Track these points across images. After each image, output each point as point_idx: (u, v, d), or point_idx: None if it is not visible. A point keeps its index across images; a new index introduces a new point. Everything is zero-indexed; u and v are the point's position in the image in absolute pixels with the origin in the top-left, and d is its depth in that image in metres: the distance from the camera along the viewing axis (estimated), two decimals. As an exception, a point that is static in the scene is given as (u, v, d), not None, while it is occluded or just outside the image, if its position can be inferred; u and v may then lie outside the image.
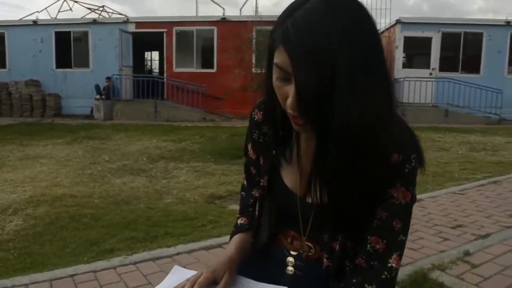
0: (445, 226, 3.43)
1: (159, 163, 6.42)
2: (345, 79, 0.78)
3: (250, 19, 12.27)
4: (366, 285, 0.96)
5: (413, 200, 0.98)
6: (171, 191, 4.70)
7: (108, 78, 13.73)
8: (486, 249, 2.93)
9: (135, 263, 2.61)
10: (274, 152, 1.11)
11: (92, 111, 13.91)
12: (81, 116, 13.74)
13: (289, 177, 1.10)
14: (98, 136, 9.23)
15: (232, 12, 14.86)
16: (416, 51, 14.44)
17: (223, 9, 18.68)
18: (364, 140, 0.83)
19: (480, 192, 4.62)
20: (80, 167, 5.96)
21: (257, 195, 1.22)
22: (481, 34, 13.84)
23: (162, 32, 14.59)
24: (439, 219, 3.55)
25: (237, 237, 1.19)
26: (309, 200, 1.05)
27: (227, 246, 1.18)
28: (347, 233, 1.00)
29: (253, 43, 11.01)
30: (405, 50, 14.05)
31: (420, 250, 2.87)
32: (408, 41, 13.90)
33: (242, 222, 1.24)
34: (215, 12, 28.81)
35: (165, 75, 14.99)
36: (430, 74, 13.93)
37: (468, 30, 13.85)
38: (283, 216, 1.14)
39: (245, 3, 25.61)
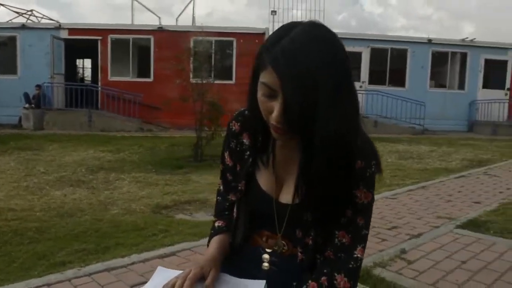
0: (382, 227, 3.73)
1: (99, 174, 6.27)
2: (325, 97, 0.94)
3: (188, 29, 12.32)
4: (335, 274, 1.10)
5: (373, 200, 1.15)
6: (116, 202, 4.63)
7: (38, 86, 13.10)
8: (419, 247, 3.24)
9: (90, 274, 2.60)
10: (250, 159, 1.24)
11: (20, 121, 13.16)
12: (8, 126, 12.95)
13: (265, 181, 1.22)
14: (30, 146, 8.79)
15: (167, 21, 14.86)
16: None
17: (159, 18, 18.56)
18: (341, 147, 0.99)
19: (410, 197, 5.03)
20: (14, 180, 5.68)
21: (233, 199, 1.33)
22: (405, 50, 14.94)
23: (97, 40, 14.20)
24: (376, 222, 3.85)
25: (216, 238, 1.30)
26: (283, 201, 1.19)
27: (208, 247, 1.28)
28: (319, 229, 1.15)
29: (192, 53, 11.09)
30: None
31: (362, 250, 3.10)
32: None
33: (220, 224, 1.34)
34: (150, 20, 28.43)
35: (99, 84, 14.55)
36: (361, 86, 14.74)
37: (394, 46, 14.89)
38: (258, 217, 1.26)
39: (181, 13, 25.52)
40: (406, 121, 14.29)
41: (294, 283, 1.18)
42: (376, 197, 4.79)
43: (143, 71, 14.36)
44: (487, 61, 15.33)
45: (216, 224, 1.36)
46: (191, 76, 12.55)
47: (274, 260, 1.23)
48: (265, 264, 1.24)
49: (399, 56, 15.03)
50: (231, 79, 13.21)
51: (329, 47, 0.96)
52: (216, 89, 7.85)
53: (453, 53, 15.31)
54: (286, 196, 1.19)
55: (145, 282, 2.34)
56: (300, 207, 1.15)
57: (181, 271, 1.21)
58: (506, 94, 15.49)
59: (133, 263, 2.79)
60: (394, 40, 15.07)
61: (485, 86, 15.48)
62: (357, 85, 14.50)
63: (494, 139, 12.82)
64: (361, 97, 13.96)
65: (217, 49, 9.05)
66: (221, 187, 1.40)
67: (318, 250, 1.16)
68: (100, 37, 14.16)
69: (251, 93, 1.11)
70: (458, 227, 3.77)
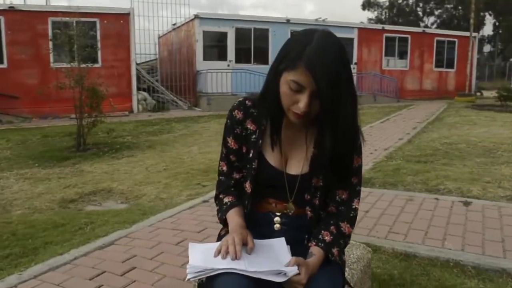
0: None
1: (-28, 175, 5.61)
2: (344, 90, 1.26)
3: (45, 9, 11.26)
4: (340, 223, 1.44)
5: (361, 163, 1.50)
6: (14, 202, 4.29)
7: None
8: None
9: (35, 276, 2.50)
10: (260, 140, 1.48)
11: None
12: None
13: (273, 158, 1.47)
14: None
15: (20, 1, 13.10)
16: (215, 44, 15.58)
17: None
18: (354, 126, 1.32)
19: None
20: None
21: (237, 177, 1.55)
22: (267, 30, 15.83)
23: None
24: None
25: (234, 211, 1.50)
26: (292, 172, 1.46)
27: (232, 218, 1.47)
28: (324, 191, 1.46)
29: (50, 36, 10.22)
30: (204, 43, 14.99)
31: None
32: (206, 35, 14.90)
33: (230, 200, 1.54)
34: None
35: None
36: (228, 65, 15.26)
37: (256, 26, 15.66)
38: (268, 188, 1.51)
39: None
40: (271, 96, 15.29)
41: (306, 236, 1.47)
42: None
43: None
44: (337, 39, 17.13)
45: (226, 200, 1.54)
46: (51, 61, 11.62)
47: (284, 221, 1.50)
48: (277, 226, 1.50)
49: (262, 36, 15.88)
50: (97, 62, 12.49)
51: (343, 51, 1.30)
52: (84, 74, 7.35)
53: (308, 32, 16.74)
54: (295, 169, 1.46)
55: (99, 274, 2.43)
56: (309, 175, 1.44)
57: (214, 243, 1.41)
58: (353, 68, 17.57)
59: (75, 258, 2.74)
60: (256, 21, 15.84)
61: (336, 61, 17.31)
62: (224, 64, 15.03)
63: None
64: (230, 76, 14.61)
65: (79, 31, 8.51)
66: (224, 168, 1.58)
67: (322, 208, 1.47)
68: None
69: (270, 88, 1.36)
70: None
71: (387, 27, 20.41)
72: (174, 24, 16.62)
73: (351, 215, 1.46)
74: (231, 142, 1.52)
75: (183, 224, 3.39)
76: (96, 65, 12.06)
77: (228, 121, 1.52)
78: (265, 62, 16.02)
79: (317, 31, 1.30)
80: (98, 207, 4.32)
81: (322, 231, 1.42)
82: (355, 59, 17.90)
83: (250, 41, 15.63)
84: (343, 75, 1.26)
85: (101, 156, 6.83)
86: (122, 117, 11.68)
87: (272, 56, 16.13)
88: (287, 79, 1.28)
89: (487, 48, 57.88)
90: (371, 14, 64.43)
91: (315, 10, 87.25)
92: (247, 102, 1.51)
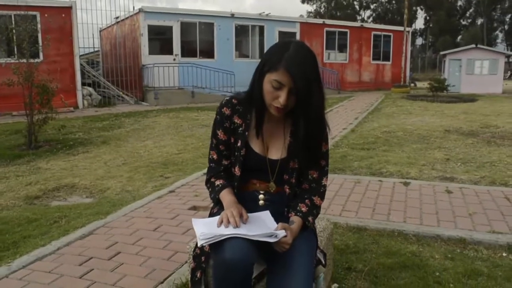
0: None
1: None
2: (316, 88, 1.61)
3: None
4: (313, 197, 1.80)
5: (328, 148, 1.86)
6: (-23, 201, 4.30)
7: None
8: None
9: (24, 266, 2.65)
10: (246, 132, 1.80)
11: None
12: None
13: (257, 146, 1.80)
14: None
15: None
16: (160, 38, 15.51)
17: None
18: (323, 117, 1.68)
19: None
20: None
21: (226, 163, 1.86)
22: (212, 24, 16.00)
23: None
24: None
25: (226, 191, 1.80)
26: (273, 157, 1.80)
27: (226, 196, 1.76)
28: (298, 171, 1.80)
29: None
30: (149, 37, 14.90)
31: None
32: (151, 29, 14.82)
33: (221, 182, 1.84)
34: None
35: None
36: (174, 59, 15.28)
37: (202, 20, 15.77)
38: (254, 171, 1.83)
39: None
40: (219, 90, 15.47)
41: (286, 209, 1.81)
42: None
43: None
44: (280, 33, 17.63)
45: (217, 182, 1.85)
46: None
47: (267, 198, 1.83)
48: (261, 202, 1.83)
49: (207, 30, 16.03)
50: (38, 57, 12.09)
51: (314, 57, 1.66)
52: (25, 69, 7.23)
53: (253, 26, 17.09)
54: (275, 154, 1.80)
55: (87, 260, 2.67)
56: (287, 159, 1.78)
57: (214, 217, 1.71)
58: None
59: (59, 249, 2.92)
60: (202, 15, 15.95)
61: (279, 54, 17.81)
62: (170, 58, 15.04)
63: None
64: (176, 70, 14.65)
65: (19, 24, 8.31)
66: (214, 156, 1.88)
67: (297, 185, 1.82)
68: None
69: (255, 88, 1.69)
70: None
71: (328, 21, 21.21)
72: (116, 18, 16.33)
73: (321, 190, 1.83)
74: (220, 134, 1.83)
75: (156, 212, 3.62)
76: (37, 60, 11.73)
77: (218, 116, 1.83)
78: (211, 56, 16.21)
79: (292, 42, 1.65)
80: (64, 202, 4.43)
81: (299, 204, 1.77)
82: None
83: (196, 35, 15.72)
84: (314, 75, 1.62)
85: (56, 153, 6.81)
86: (67, 113, 11.43)
87: (217, 49, 16.34)
88: (270, 78, 1.61)
89: (419, 41, 61.10)
90: (310, 7, 65.94)
91: (255, 4, 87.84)
92: (233, 100, 1.83)
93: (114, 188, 4.70)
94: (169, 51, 15.20)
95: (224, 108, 1.81)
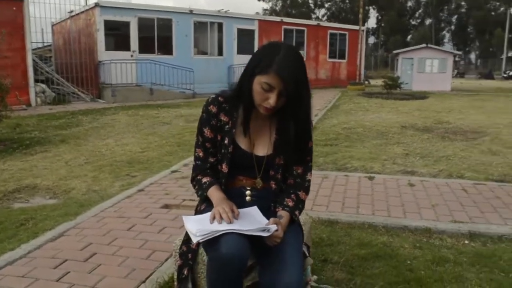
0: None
1: None
2: (305, 90, 1.69)
3: None
4: (298, 192, 1.86)
5: (312, 145, 1.93)
6: None
7: None
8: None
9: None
10: (234, 130, 1.83)
11: None
12: None
13: (244, 143, 1.84)
14: None
15: None
16: (117, 34, 15.12)
17: None
18: (309, 118, 1.74)
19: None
20: None
21: (212, 160, 1.89)
22: (170, 20, 15.78)
23: None
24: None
25: (214, 188, 1.83)
26: (260, 154, 1.84)
27: (215, 193, 1.79)
28: (284, 167, 1.86)
29: None
30: (106, 33, 14.50)
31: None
32: (108, 24, 14.42)
33: (208, 179, 1.87)
34: None
35: None
36: (131, 56, 14.97)
37: (160, 16, 15.52)
38: (240, 168, 1.87)
39: None
40: (178, 87, 15.33)
41: (272, 204, 1.86)
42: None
43: None
44: (239, 30, 17.66)
45: (204, 180, 1.87)
46: None
47: (254, 194, 1.87)
48: (248, 198, 1.87)
49: (165, 26, 15.79)
50: (-13, 52, 11.49)
51: (302, 60, 1.74)
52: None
53: (212, 23, 17.01)
54: (261, 151, 1.85)
55: (62, 262, 2.62)
56: (273, 156, 1.83)
57: (205, 214, 1.74)
58: (255, 59, 18.26)
59: (29, 252, 2.82)
60: (160, 10, 15.69)
61: (239, 52, 17.85)
62: (127, 54, 14.72)
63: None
64: (134, 67, 14.36)
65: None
66: (200, 154, 1.91)
67: (283, 181, 1.88)
68: None
69: (244, 88, 1.73)
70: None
71: (285, 19, 21.45)
72: (70, 12, 15.78)
73: (306, 185, 1.89)
74: (207, 131, 1.85)
75: (127, 212, 3.57)
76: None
77: (204, 114, 1.85)
78: (169, 52, 16.00)
79: (282, 45, 1.70)
80: (27, 204, 4.26)
81: (286, 199, 1.83)
82: (255, 49, 18.59)
83: (154, 31, 15.46)
84: (303, 78, 1.68)
85: (12, 153, 6.51)
86: (20, 112, 10.95)
87: (176, 46, 16.15)
88: (260, 81, 1.66)
89: (371, 40, 62.90)
90: (266, 5, 66.35)
91: (211, 0, 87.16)
92: (219, 98, 1.85)
93: (79, 188, 4.58)
94: (127, 47, 14.87)
95: (211, 106, 1.83)
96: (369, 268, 2.58)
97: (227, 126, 1.82)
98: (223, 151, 1.84)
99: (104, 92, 14.23)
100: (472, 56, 73.64)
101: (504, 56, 51.73)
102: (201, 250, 1.87)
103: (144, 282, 2.37)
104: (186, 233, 1.88)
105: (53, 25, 17.45)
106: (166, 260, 2.64)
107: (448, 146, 6.43)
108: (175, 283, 1.89)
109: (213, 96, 1.87)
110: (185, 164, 5.36)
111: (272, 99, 1.66)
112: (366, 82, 24.52)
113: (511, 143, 6.68)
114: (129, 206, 3.75)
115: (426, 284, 2.35)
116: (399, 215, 3.44)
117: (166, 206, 3.74)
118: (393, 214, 3.46)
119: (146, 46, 15.29)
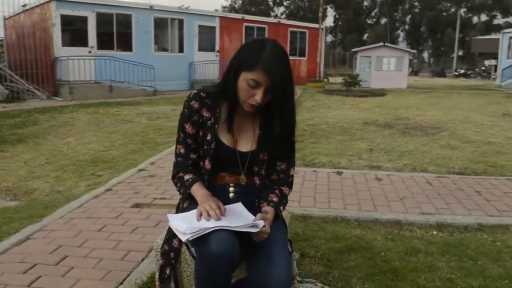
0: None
1: None
2: (291, 87, 1.70)
3: None
4: (282, 187, 1.87)
5: (295, 141, 1.94)
6: None
7: None
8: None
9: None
10: (216, 125, 1.81)
11: None
12: None
13: (227, 139, 1.83)
14: None
15: None
16: (74, 29, 14.61)
17: None
18: (294, 113, 1.75)
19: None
20: None
21: (194, 157, 1.87)
22: (130, 16, 15.41)
23: None
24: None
25: (197, 185, 1.81)
26: (243, 150, 1.84)
27: (199, 190, 1.76)
28: (268, 163, 1.86)
29: None
30: (62, 28, 13.97)
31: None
32: (65, 19, 13.90)
33: (191, 176, 1.84)
34: None
35: None
36: (90, 52, 14.52)
37: (119, 12, 15.13)
38: (224, 164, 1.85)
39: None
40: (138, 84, 15.00)
41: (256, 200, 1.86)
42: (161, 155, 5.55)
43: None
44: (200, 27, 17.49)
45: (187, 177, 1.84)
46: None
47: (237, 190, 1.87)
48: (231, 194, 1.86)
49: (125, 21, 15.41)
50: None
51: (287, 57, 1.74)
52: None
53: (172, 19, 16.76)
54: (245, 146, 1.84)
55: (32, 266, 2.53)
56: (257, 151, 1.83)
57: (191, 211, 1.71)
58: (216, 56, 18.19)
59: (-2, 255, 2.70)
60: (119, 6, 15.28)
61: (200, 49, 17.70)
62: (85, 50, 14.27)
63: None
64: (92, 63, 13.92)
65: None
66: (182, 151, 1.87)
67: (266, 177, 1.88)
68: None
69: (230, 84, 1.72)
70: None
71: (247, 17, 21.44)
72: (24, 5, 15.08)
73: (289, 180, 1.91)
74: (189, 128, 1.82)
75: (96, 212, 3.47)
76: None
77: (186, 110, 1.82)
78: (129, 49, 15.65)
79: (267, 41, 1.70)
80: (-15, 206, 4.05)
81: (270, 194, 1.83)
82: (217, 47, 18.51)
83: (113, 27, 15.06)
84: (289, 74, 1.69)
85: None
86: (-30, 110, 10.40)
87: (136, 42, 15.81)
88: (247, 77, 1.65)
89: (329, 38, 64.01)
90: (225, 2, 66.08)
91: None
92: (201, 93, 1.83)
93: (42, 189, 4.39)
94: (84, 43, 14.41)
95: (193, 101, 1.81)
96: (345, 261, 2.63)
97: (209, 122, 1.80)
98: (205, 147, 1.82)
99: (61, 90, 13.71)
100: (425, 54, 76.61)
101: (455, 55, 54.18)
102: (184, 248, 1.84)
103: (122, 283, 2.31)
104: (168, 231, 1.85)
105: (5, 19, 16.61)
106: (143, 260, 2.58)
107: (409, 141, 6.65)
108: (157, 283, 1.86)
109: (195, 91, 1.85)
110: (152, 163, 5.26)
111: (258, 96, 1.66)
112: (326, 80, 24.93)
113: (467, 138, 7.00)
114: (98, 206, 3.64)
115: (402, 274, 2.42)
116: (369, 209, 3.53)
117: (137, 206, 3.66)
118: (364, 208, 3.55)
119: (105, 42, 14.87)
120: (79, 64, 13.47)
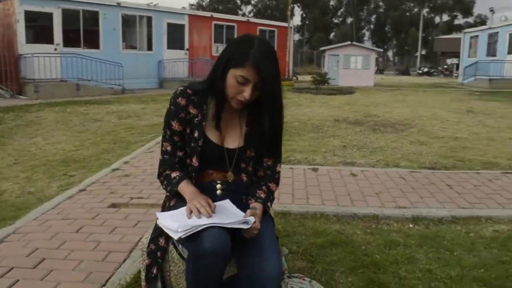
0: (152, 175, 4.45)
1: None
2: (279, 83, 1.71)
3: None
4: (269, 184, 1.89)
5: (282, 137, 1.95)
6: None
7: None
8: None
9: None
10: (204, 122, 1.81)
11: None
12: None
13: (214, 136, 1.83)
14: None
15: None
16: (39, 26, 14.14)
17: None
18: (282, 109, 1.77)
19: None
20: None
21: (180, 154, 1.85)
22: (97, 13, 15.06)
23: None
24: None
25: (185, 183, 1.80)
26: (230, 147, 1.84)
27: (186, 188, 1.75)
28: (256, 160, 1.87)
29: None
30: (27, 24, 13.50)
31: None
32: (29, 15, 13.44)
33: (178, 174, 1.83)
34: None
35: None
36: (55, 49, 14.10)
37: (86, 8, 14.75)
38: (211, 161, 1.85)
39: None
40: (106, 82, 14.69)
41: (243, 196, 1.86)
42: (134, 154, 5.46)
43: None
44: (169, 25, 17.28)
45: (173, 174, 1.83)
46: None
47: (224, 187, 1.87)
48: (219, 191, 1.86)
49: (92, 18, 15.05)
50: None
51: (275, 52, 1.76)
52: None
53: (141, 17, 16.49)
54: (232, 143, 1.85)
55: (8, 271, 2.47)
56: (244, 148, 1.84)
57: (180, 209, 1.70)
58: (186, 54, 18.02)
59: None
60: (85, 2, 14.88)
61: (169, 47, 17.49)
62: (50, 48, 13.85)
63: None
64: (58, 61, 13.53)
65: None
66: (168, 148, 1.86)
67: (253, 173, 1.89)
68: None
69: (218, 81, 1.71)
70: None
71: (216, 15, 21.33)
72: (-15, 1, 14.49)
73: (276, 176, 1.92)
74: (175, 125, 1.81)
75: (72, 213, 3.38)
76: None
77: (172, 107, 1.80)
78: (96, 46, 15.31)
79: (255, 38, 1.70)
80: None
81: (258, 191, 1.84)
82: (187, 45, 18.34)
83: (79, 24, 14.68)
84: (278, 71, 1.71)
85: None
86: None
87: (103, 40, 15.48)
88: (235, 74, 1.65)
89: (296, 37, 64.51)
90: (192, 0, 65.54)
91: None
92: (188, 90, 1.82)
93: (12, 191, 4.24)
94: (50, 40, 13.98)
95: (179, 98, 1.79)
96: (327, 255, 2.67)
97: (196, 119, 1.79)
98: (192, 144, 1.80)
99: (25, 88, 13.26)
100: (390, 53, 78.47)
101: (418, 54, 55.74)
102: (171, 247, 1.83)
103: (105, 285, 2.26)
104: (154, 230, 1.83)
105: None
106: (125, 260, 2.54)
107: (380, 138, 6.80)
108: (143, 283, 1.83)
109: (181, 88, 1.83)
110: (126, 162, 5.17)
111: (247, 92, 1.66)
112: (295, 78, 25.14)
113: (435, 134, 7.22)
114: (73, 207, 3.55)
115: (383, 267, 2.48)
116: (347, 204, 3.59)
117: (114, 206, 3.59)
118: (341, 203, 3.61)
119: (71, 40, 14.48)
120: (44, 61, 13.06)
